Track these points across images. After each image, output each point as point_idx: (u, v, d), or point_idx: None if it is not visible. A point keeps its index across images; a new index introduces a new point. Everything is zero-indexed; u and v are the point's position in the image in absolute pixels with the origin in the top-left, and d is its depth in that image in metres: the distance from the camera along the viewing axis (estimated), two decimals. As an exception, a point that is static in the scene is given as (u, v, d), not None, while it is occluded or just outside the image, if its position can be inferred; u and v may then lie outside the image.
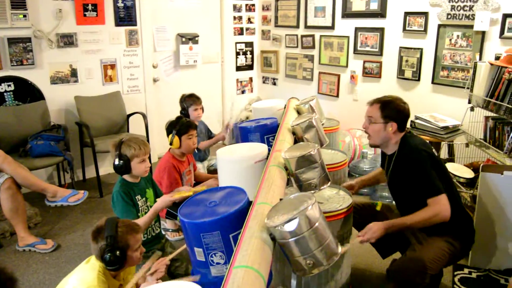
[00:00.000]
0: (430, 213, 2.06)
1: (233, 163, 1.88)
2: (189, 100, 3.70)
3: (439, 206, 2.05)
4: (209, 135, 4.04)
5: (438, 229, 2.13)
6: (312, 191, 1.71)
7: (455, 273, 2.65)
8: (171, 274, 2.48)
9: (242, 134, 2.49)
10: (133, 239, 1.85)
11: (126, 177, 2.41)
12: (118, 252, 1.79)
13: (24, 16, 3.84)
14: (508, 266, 2.64)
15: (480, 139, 3.15)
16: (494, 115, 2.99)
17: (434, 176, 2.11)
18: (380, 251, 2.61)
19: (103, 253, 1.78)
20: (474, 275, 2.64)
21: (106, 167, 4.49)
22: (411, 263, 2.06)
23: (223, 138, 3.89)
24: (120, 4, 4.43)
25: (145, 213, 2.40)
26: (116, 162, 2.33)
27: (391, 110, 2.22)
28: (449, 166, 3.12)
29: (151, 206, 2.43)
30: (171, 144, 3.02)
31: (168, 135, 3.05)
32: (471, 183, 3.00)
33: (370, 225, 2.04)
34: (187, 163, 3.20)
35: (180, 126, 2.99)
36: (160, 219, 2.71)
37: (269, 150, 1.96)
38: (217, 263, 1.39)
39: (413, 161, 2.16)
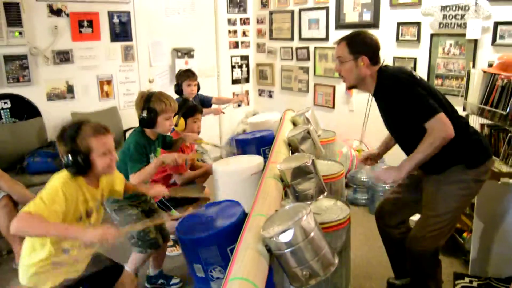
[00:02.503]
0: (433, 136, 1.95)
1: (229, 175, 1.88)
2: (184, 75, 3.69)
3: (439, 126, 1.95)
4: (206, 103, 3.99)
5: (447, 160, 2.08)
6: (309, 202, 1.71)
7: (456, 282, 2.64)
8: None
9: (239, 146, 2.49)
10: (97, 142, 1.73)
11: (147, 131, 2.39)
12: (78, 155, 1.69)
13: (20, 33, 3.87)
14: (509, 274, 2.62)
15: (476, 146, 3.16)
16: (490, 122, 3.00)
17: (424, 96, 2.00)
18: (396, 271, 2.57)
19: (63, 155, 1.70)
20: (475, 283, 2.62)
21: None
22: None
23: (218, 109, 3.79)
24: (116, 20, 4.46)
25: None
26: (145, 114, 2.29)
27: (358, 44, 2.14)
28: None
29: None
30: (176, 125, 3.00)
31: (174, 116, 3.05)
32: (468, 191, 2.99)
33: (383, 170, 2.06)
34: (191, 150, 3.19)
35: (187, 109, 3.00)
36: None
37: (265, 162, 1.97)
38: (218, 278, 1.39)
39: (397, 89, 2.05)
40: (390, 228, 2.45)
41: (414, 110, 2.00)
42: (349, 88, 2.28)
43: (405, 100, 2.02)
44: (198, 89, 3.84)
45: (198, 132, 3.13)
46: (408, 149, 2.16)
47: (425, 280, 2.26)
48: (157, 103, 2.31)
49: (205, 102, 4.00)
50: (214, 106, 4.15)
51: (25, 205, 1.61)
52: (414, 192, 2.33)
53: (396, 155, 2.43)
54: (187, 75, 3.69)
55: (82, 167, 1.71)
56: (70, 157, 1.69)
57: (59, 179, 1.71)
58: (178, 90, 3.68)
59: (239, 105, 3.82)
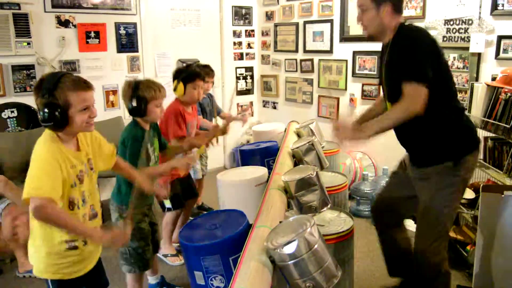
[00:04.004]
0: (403, 105, 1.91)
1: (233, 186, 1.89)
2: (201, 71, 3.51)
3: (413, 96, 1.89)
4: (218, 111, 3.90)
5: (437, 156, 2.09)
6: (312, 214, 1.72)
7: (459, 295, 2.62)
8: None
9: (243, 157, 2.51)
10: (76, 97, 1.64)
11: (139, 120, 2.32)
12: (56, 109, 1.59)
13: (28, 43, 3.92)
14: (513, 288, 2.61)
15: (480, 159, 3.16)
16: (493, 135, 3.01)
17: (426, 61, 1.93)
18: (390, 268, 2.58)
19: (39, 108, 1.61)
20: (478, 297, 2.60)
21: (108, 192, 4.48)
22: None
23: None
24: (122, 31, 4.51)
25: (155, 163, 2.35)
26: (134, 103, 2.21)
27: None
28: (450, 187, 3.12)
29: (157, 156, 2.39)
30: (175, 90, 2.95)
31: (173, 80, 2.98)
32: (472, 204, 2.99)
33: (346, 127, 2.04)
34: (193, 117, 3.12)
35: (186, 74, 2.92)
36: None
37: (269, 173, 1.98)
38: (218, 287, 1.39)
39: (410, 40, 1.99)
40: (388, 228, 2.47)
41: (405, 63, 1.96)
42: (369, 37, 2.20)
43: (407, 51, 1.97)
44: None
45: (198, 99, 3.04)
46: (401, 134, 2.20)
47: None
48: (146, 91, 2.23)
49: (218, 112, 4.02)
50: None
51: (26, 189, 1.55)
52: (406, 189, 2.35)
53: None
54: (205, 71, 3.50)
55: (59, 122, 1.62)
56: (47, 111, 1.60)
57: (43, 148, 1.64)
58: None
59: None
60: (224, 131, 3.09)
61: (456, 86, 3.68)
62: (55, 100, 1.60)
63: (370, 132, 2.02)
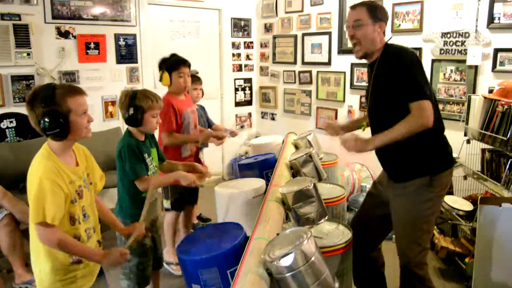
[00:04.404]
0: (414, 119, 1.94)
1: (231, 198, 1.89)
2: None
3: (423, 111, 1.93)
4: (209, 123, 3.89)
5: (415, 170, 2.11)
6: (310, 226, 1.71)
7: (458, 308, 2.61)
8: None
9: (241, 171, 2.50)
10: (74, 102, 1.68)
11: (133, 132, 2.30)
12: (57, 116, 1.61)
13: (28, 54, 3.94)
14: (511, 300, 2.60)
15: (478, 171, 3.17)
16: (491, 147, 3.02)
17: (422, 78, 1.99)
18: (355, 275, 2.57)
19: (40, 118, 1.62)
20: (477, 310, 2.59)
21: (107, 203, 4.47)
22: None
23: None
24: (122, 43, 4.54)
25: (153, 173, 2.33)
26: (131, 112, 2.20)
27: (378, 10, 2.15)
28: (448, 199, 3.13)
29: (156, 167, 2.37)
30: (160, 80, 2.93)
31: (159, 71, 2.97)
32: (470, 216, 2.99)
33: (353, 137, 2.09)
34: (188, 103, 3.09)
35: (170, 62, 2.90)
36: None
37: (266, 184, 1.98)
38: (215, 300, 1.38)
39: (400, 60, 2.03)
40: (367, 252, 2.47)
41: (406, 86, 1.99)
42: (361, 56, 2.23)
43: (402, 74, 2.01)
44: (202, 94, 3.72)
45: (186, 88, 3.02)
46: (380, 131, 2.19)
47: None
48: (143, 100, 2.22)
49: (210, 125, 4.02)
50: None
51: (30, 215, 1.62)
52: (380, 209, 2.38)
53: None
54: (192, 79, 3.49)
55: (63, 129, 1.64)
56: (49, 119, 1.61)
57: (39, 169, 1.65)
58: None
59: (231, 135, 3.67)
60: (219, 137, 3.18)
61: (453, 98, 3.71)
62: (56, 107, 1.62)
63: (375, 145, 2.08)
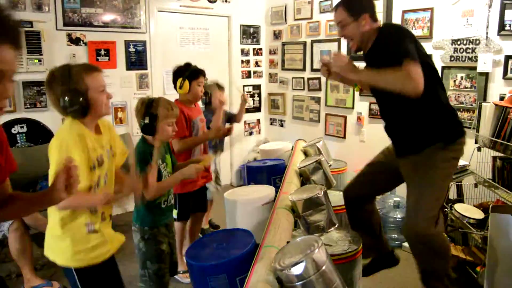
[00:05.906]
0: (402, 75, 1.89)
1: (240, 205, 1.88)
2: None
3: (411, 71, 1.88)
4: (230, 118, 4.03)
5: (427, 138, 2.12)
6: (320, 234, 1.70)
7: (469, 318, 2.58)
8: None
9: (250, 174, 2.50)
10: (92, 79, 1.72)
11: (149, 139, 2.31)
12: (78, 93, 1.65)
13: (39, 60, 3.99)
14: (524, 311, 2.55)
15: (489, 179, 3.13)
16: (502, 155, 2.99)
17: (412, 48, 1.96)
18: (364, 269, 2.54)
19: (60, 97, 1.65)
20: (488, 320, 2.55)
21: (115, 208, 4.49)
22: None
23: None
24: (132, 49, 4.58)
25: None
26: (147, 121, 2.22)
27: (356, 5, 2.17)
28: (459, 207, 3.10)
29: (170, 173, 2.38)
30: (180, 88, 3.00)
31: (175, 79, 3.04)
32: (481, 224, 2.95)
33: (342, 54, 2.11)
34: (198, 111, 3.18)
35: (190, 71, 3.01)
36: None
37: (275, 191, 1.97)
38: (224, 307, 1.38)
39: (391, 34, 2.07)
40: (358, 211, 2.49)
41: (395, 51, 1.97)
42: (357, 50, 2.27)
43: (392, 43, 2.02)
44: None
45: (200, 97, 3.17)
46: (391, 122, 2.25)
47: (433, 264, 2.20)
48: (159, 109, 2.25)
49: (232, 117, 4.07)
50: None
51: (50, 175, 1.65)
52: (390, 178, 2.41)
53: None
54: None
55: (84, 106, 1.67)
56: (68, 98, 1.64)
57: (63, 130, 1.70)
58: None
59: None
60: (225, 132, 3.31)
61: (464, 105, 3.68)
62: (75, 85, 1.66)
63: (362, 76, 2.11)
